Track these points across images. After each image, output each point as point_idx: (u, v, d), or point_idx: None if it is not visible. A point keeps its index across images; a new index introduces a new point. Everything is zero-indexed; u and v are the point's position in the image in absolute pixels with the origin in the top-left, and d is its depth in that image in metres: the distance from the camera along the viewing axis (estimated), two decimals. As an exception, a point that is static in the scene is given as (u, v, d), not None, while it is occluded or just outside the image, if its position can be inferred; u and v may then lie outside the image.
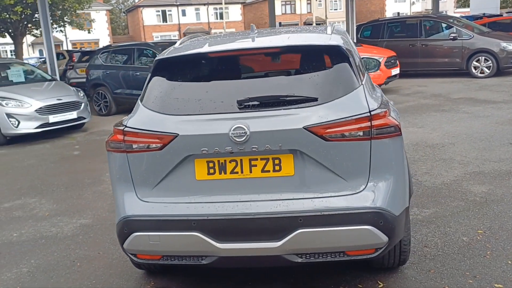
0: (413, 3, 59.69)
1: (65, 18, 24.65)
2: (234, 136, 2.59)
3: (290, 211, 2.62)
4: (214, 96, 2.76)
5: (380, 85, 11.74)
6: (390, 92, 11.90)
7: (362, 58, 5.44)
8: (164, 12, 53.23)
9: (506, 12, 23.37)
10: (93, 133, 9.86)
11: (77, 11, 25.11)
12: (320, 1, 57.81)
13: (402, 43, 14.14)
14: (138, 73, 10.94)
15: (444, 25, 13.95)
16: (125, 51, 11.90)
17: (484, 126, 7.42)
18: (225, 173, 2.70)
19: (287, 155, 2.65)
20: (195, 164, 2.71)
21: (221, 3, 49.13)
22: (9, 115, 8.83)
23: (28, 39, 41.03)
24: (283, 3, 57.31)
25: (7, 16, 20.62)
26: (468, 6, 33.83)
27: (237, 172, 2.69)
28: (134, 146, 2.77)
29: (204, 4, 53.51)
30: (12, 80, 10.12)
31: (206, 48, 2.99)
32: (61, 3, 22.77)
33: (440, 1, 24.84)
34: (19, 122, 8.86)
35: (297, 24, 52.95)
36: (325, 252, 2.69)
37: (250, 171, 2.68)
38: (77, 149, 8.48)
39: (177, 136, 2.67)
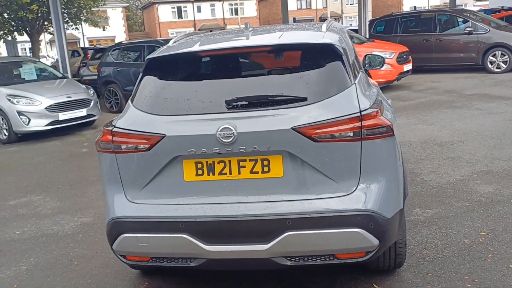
0: (431, -4, 58.71)
1: (80, 15, 24.88)
2: (222, 136, 2.55)
3: (279, 213, 2.58)
4: (203, 96, 2.73)
5: (392, 81, 11.59)
6: (402, 88, 11.72)
7: (367, 55, 5.36)
8: (179, 9, 53.40)
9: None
10: (103, 131, 9.91)
11: (92, 9, 25.32)
12: (336, -5, 57.27)
13: (416, 38, 13.90)
14: (148, 71, 10.94)
15: (459, 19, 13.66)
16: (136, 48, 11.95)
17: (496, 124, 7.23)
18: (213, 174, 2.66)
19: (276, 156, 2.60)
20: (183, 165, 2.68)
21: (236, -1, 49.11)
22: (20, 113, 8.94)
23: (46, 36, 41.59)
24: (299, -2, 56.94)
25: (24, 14, 20.89)
26: (488, -1, 33.11)
27: (225, 173, 2.65)
28: (123, 146, 2.75)
29: (219, 0, 53.53)
30: (24, 78, 10.24)
31: (196, 47, 2.95)
32: (76, 1, 22.98)
33: (458, -6, 24.39)
34: (29, 120, 8.97)
35: (312, 20, 52.58)
36: (314, 255, 2.63)
37: (239, 172, 2.64)
38: (86, 146, 8.55)
39: (164, 136, 2.64)
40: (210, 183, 2.68)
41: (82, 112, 9.53)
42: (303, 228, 2.55)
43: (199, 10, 53.18)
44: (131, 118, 2.80)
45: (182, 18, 53.06)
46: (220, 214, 2.63)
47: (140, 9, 63.11)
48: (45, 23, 23.35)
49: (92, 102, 9.77)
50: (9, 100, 9.04)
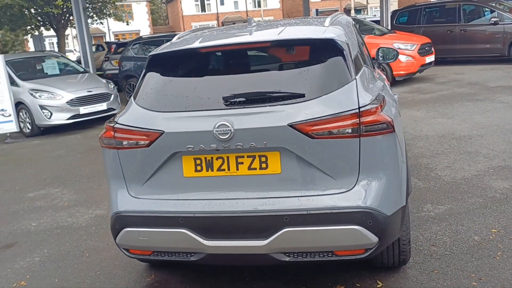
0: (460, -15, 57.07)
1: (104, 10, 25.23)
2: (218, 133, 2.55)
3: (276, 209, 2.57)
4: (202, 93, 2.74)
5: (414, 73, 11.38)
6: (424, 80, 11.49)
7: (380, 48, 5.27)
8: (202, 2, 53.45)
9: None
10: (123, 124, 10.07)
11: (116, 3, 25.64)
12: (361, -15, 56.32)
13: (440, 29, 13.58)
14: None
15: (485, 9, 13.26)
16: (155, 42, 12.04)
17: (519, 117, 7.03)
18: (212, 170, 2.68)
19: (273, 152, 2.59)
20: (182, 161, 2.70)
21: (259, -9, 48.86)
22: (42, 107, 9.17)
23: (73, 31, 42.34)
24: (323, -11, 56.24)
25: (50, 9, 21.31)
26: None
27: (224, 170, 2.66)
28: (124, 142, 2.79)
29: (243, -7, 53.33)
30: (47, 73, 10.48)
31: (196, 44, 2.96)
32: (101, -4, 23.33)
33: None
34: (51, 114, 9.19)
35: (336, 11, 51.89)
36: (312, 251, 2.63)
37: (237, 169, 2.65)
38: (106, 140, 8.69)
39: (163, 133, 2.66)
40: (209, 179, 2.69)
41: (103, 106, 9.70)
42: (300, 225, 2.54)
43: (222, 3, 53.10)
44: (133, 115, 2.84)
45: (205, 11, 53.14)
46: (219, 210, 2.64)
47: (164, 2, 63.50)
48: (71, 18, 23.73)
49: (112, 96, 9.93)
50: (31, 94, 9.28)
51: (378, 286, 3.09)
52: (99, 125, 10.04)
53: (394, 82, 11.09)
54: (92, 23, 26.82)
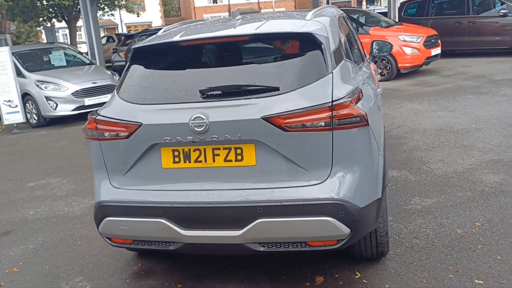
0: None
1: (115, 2, 25.38)
2: (194, 125, 2.61)
3: (250, 200, 2.63)
4: (180, 86, 2.80)
5: (419, 66, 11.29)
6: (430, 73, 11.40)
7: (375, 41, 5.27)
8: (214, -7, 53.36)
9: None
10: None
11: (127, -5, 25.78)
12: (375, -24, 55.62)
13: (448, 21, 13.42)
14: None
15: (494, 1, 13.07)
16: (161, 34, 12.10)
17: (520, 110, 6.97)
18: (189, 161, 2.74)
19: (249, 145, 2.64)
20: (161, 152, 2.77)
21: (271, -18, 48.54)
22: (48, 98, 9.33)
23: (85, 22, 42.64)
24: (336, -20, 55.64)
25: (61, 1, 21.52)
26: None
27: (201, 161, 2.72)
28: (106, 134, 2.87)
29: (255, -16, 53.04)
30: (53, 64, 10.63)
31: (177, 37, 3.01)
32: (112, -13, 23.45)
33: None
34: (57, 105, 9.34)
35: (349, 2, 51.38)
36: (286, 242, 2.68)
37: (213, 160, 2.71)
38: (109, 131, 8.82)
39: (141, 125, 2.73)
40: (187, 170, 2.76)
41: (107, 97, 9.68)
42: (273, 216, 2.60)
43: (234, -6, 52.90)
44: (114, 107, 2.91)
45: (216, 3, 53.03)
46: (195, 201, 2.71)
47: (176, -6, 63.54)
48: (81, 9, 23.95)
49: (117, 87, 10.03)
50: (37, 85, 9.44)
51: (357, 277, 3.14)
52: (104, 116, 10.17)
53: (399, 74, 11.03)
54: (103, 15, 27.01)
